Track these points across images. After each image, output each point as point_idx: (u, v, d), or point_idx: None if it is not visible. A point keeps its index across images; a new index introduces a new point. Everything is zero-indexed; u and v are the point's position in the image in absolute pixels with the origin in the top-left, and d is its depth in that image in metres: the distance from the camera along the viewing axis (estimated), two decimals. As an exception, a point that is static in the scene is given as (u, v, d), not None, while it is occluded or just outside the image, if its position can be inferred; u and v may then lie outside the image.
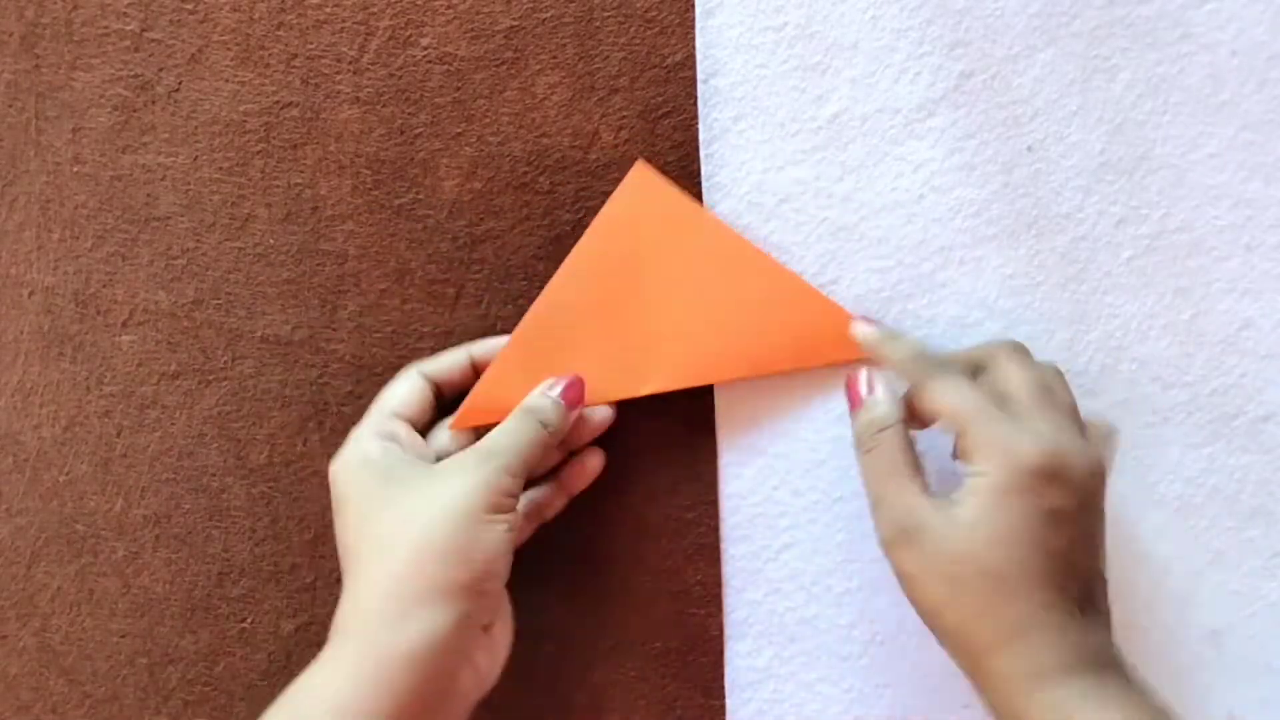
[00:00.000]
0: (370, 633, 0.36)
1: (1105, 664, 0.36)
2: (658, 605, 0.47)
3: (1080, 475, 0.37)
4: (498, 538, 0.38)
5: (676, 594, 0.47)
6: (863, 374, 0.42)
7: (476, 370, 0.44)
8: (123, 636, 0.48)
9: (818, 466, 0.46)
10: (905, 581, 0.38)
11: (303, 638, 0.48)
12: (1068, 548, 0.36)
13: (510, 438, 0.40)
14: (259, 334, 0.46)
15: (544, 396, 0.42)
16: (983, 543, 0.36)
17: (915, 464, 0.39)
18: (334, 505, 0.40)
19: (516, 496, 0.40)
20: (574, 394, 0.43)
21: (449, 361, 0.44)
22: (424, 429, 0.43)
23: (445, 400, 0.44)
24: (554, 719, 0.48)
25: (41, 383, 0.47)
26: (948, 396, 0.39)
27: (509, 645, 0.41)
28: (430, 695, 0.37)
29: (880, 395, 0.41)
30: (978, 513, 0.37)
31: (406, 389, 0.42)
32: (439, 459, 0.41)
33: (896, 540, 0.38)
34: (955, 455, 0.40)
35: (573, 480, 0.45)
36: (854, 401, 0.42)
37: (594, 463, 0.45)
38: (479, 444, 0.40)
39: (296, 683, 0.37)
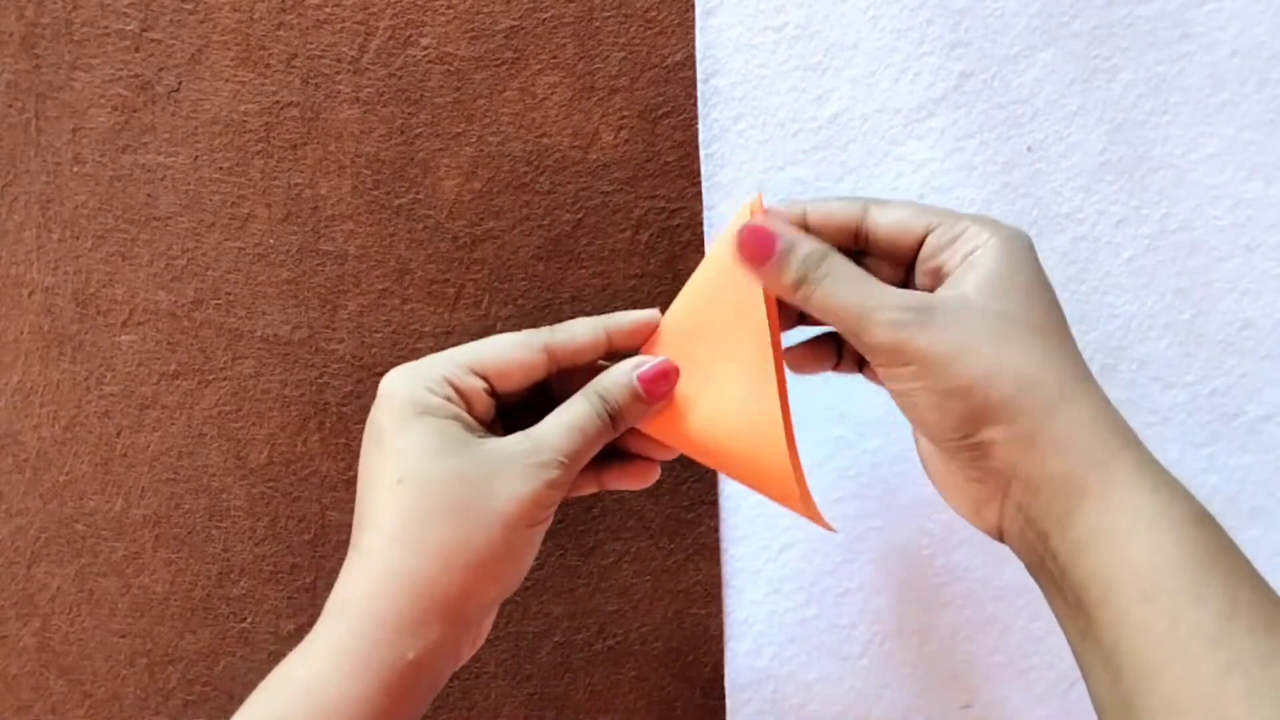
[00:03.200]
0: (381, 632, 0.33)
1: None
2: (658, 605, 0.47)
3: None
4: (529, 551, 0.35)
5: (676, 594, 0.47)
6: (770, 219, 0.36)
7: (614, 350, 0.38)
8: (123, 636, 0.48)
9: (818, 467, 0.46)
10: (939, 365, 0.33)
11: (302, 638, 0.48)
12: (1063, 313, 0.35)
13: (569, 435, 0.36)
14: (259, 334, 0.46)
15: (622, 377, 0.37)
16: (1018, 299, 0.33)
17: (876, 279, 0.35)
18: (369, 422, 0.36)
19: (557, 504, 0.36)
20: (659, 385, 0.37)
21: (582, 336, 0.38)
22: (517, 401, 0.38)
23: (565, 381, 0.38)
24: (554, 719, 0.48)
25: (41, 383, 0.47)
26: (905, 208, 0.36)
27: (491, 625, 0.38)
28: (419, 696, 0.35)
29: (800, 234, 0.36)
30: (995, 276, 0.34)
31: (515, 355, 0.37)
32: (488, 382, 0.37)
33: (913, 323, 0.33)
34: (911, 282, 0.37)
35: (617, 479, 0.40)
36: (765, 251, 0.36)
37: (649, 473, 0.40)
38: (537, 432, 0.36)
39: (286, 666, 0.34)
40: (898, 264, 0.37)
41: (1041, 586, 0.34)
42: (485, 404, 0.37)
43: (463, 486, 0.34)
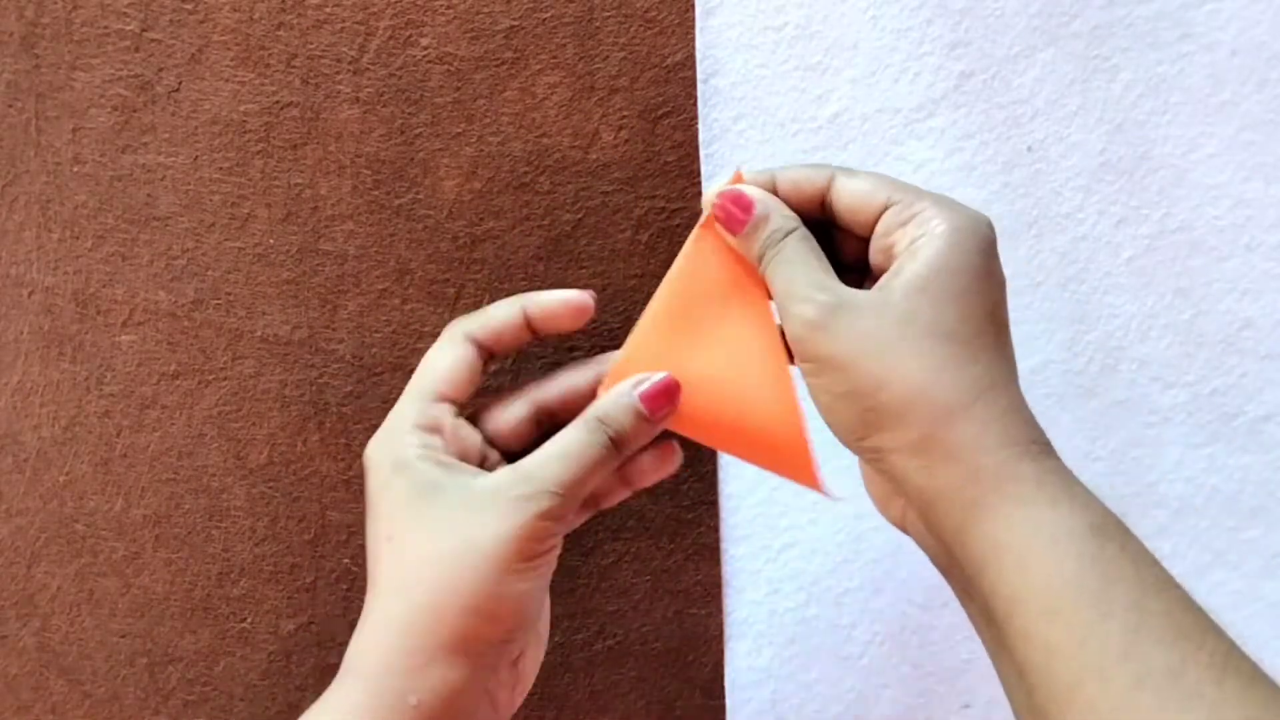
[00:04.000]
0: (380, 680, 0.33)
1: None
2: (658, 605, 0.47)
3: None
4: (528, 587, 0.34)
5: (676, 594, 0.47)
6: (743, 188, 0.36)
7: (532, 327, 0.38)
8: (123, 636, 0.48)
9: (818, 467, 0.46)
10: (832, 368, 0.33)
11: (303, 638, 0.48)
12: (1004, 317, 0.34)
13: (564, 465, 0.34)
14: (259, 334, 0.46)
15: (623, 399, 0.36)
16: (931, 301, 0.32)
17: (829, 267, 0.34)
18: (366, 494, 0.36)
19: (560, 534, 0.35)
20: (661, 402, 0.36)
21: (500, 317, 0.37)
22: (470, 400, 0.38)
23: (495, 363, 0.39)
24: (554, 719, 0.48)
25: (41, 383, 0.47)
26: (868, 180, 0.35)
27: (538, 667, 0.38)
28: None
29: (773, 204, 0.35)
30: (926, 271, 0.32)
31: (451, 361, 0.37)
32: (491, 442, 0.37)
33: (820, 322, 0.33)
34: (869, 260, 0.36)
35: (643, 475, 0.39)
36: (736, 220, 0.35)
37: (673, 460, 0.39)
38: (527, 464, 0.35)
39: None
40: (860, 237, 0.36)
41: (954, 590, 0.34)
42: (459, 427, 0.37)
43: (447, 530, 0.34)
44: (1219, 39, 0.44)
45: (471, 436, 0.38)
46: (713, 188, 0.37)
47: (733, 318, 0.37)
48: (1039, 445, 0.32)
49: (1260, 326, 0.45)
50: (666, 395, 0.36)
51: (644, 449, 0.38)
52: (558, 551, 0.36)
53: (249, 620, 0.48)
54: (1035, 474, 0.31)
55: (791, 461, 0.37)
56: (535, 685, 0.47)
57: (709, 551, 0.47)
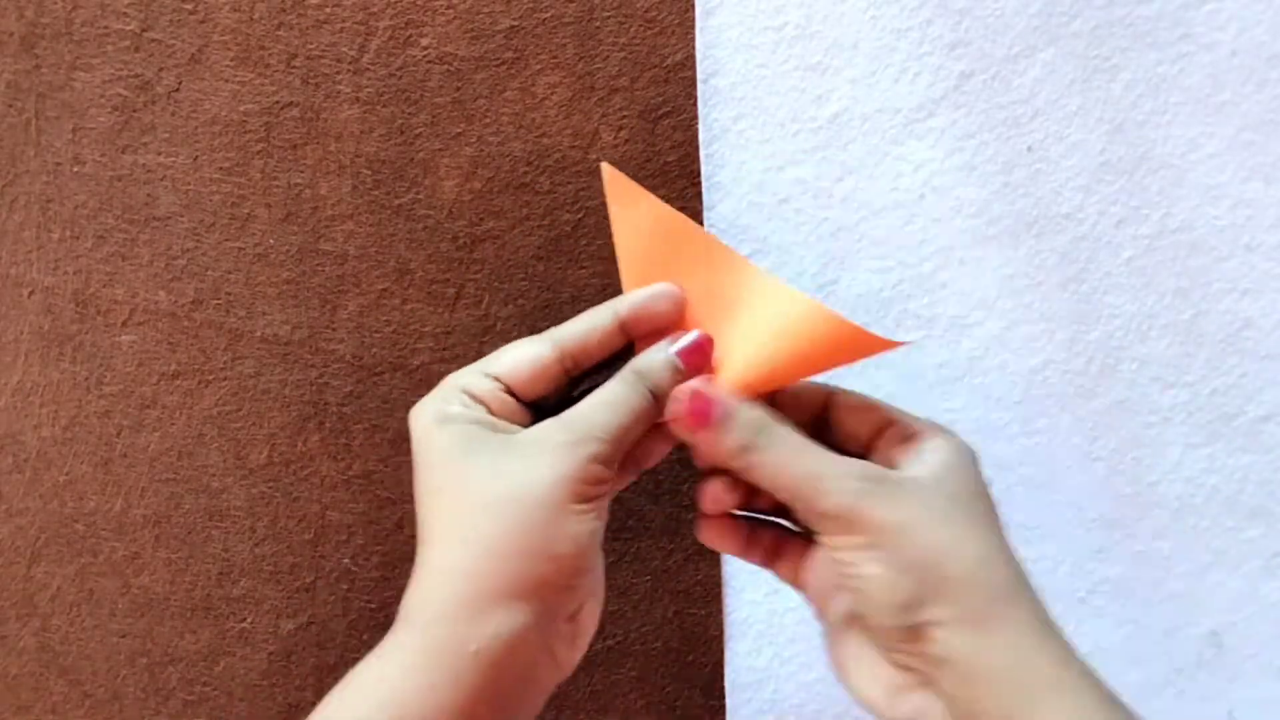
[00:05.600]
0: (438, 628, 0.33)
1: None
2: (658, 605, 0.47)
3: None
4: (586, 529, 0.34)
5: (676, 594, 0.47)
6: (707, 385, 0.36)
7: (627, 334, 0.37)
8: (123, 636, 0.48)
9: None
10: (893, 535, 0.33)
11: (303, 638, 0.48)
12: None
13: (608, 412, 0.35)
14: (259, 334, 0.46)
15: (659, 355, 0.36)
16: (967, 493, 0.34)
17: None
18: (413, 454, 0.36)
19: (610, 480, 0.35)
20: (695, 356, 0.36)
21: (587, 324, 0.37)
22: (543, 402, 0.37)
23: (586, 373, 0.38)
24: (554, 719, 0.48)
25: (41, 383, 0.47)
26: (865, 399, 0.37)
27: (596, 624, 0.37)
28: (501, 695, 0.33)
29: (736, 400, 0.36)
30: (945, 470, 0.34)
31: (521, 353, 0.36)
32: (520, 397, 0.37)
33: (871, 493, 0.33)
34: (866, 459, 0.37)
35: (683, 424, 0.38)
36: (704, 415, 0.35)
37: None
38: (570, 414, 0.35)
39: (354, 674, 0.34)
40: (853, 453, 0.37)
41: None
42: (507, 405, 0.36)
43: (497, 478, 0.34)
44: (1219, 39, 0.44)
45: (514, 408, 0.37)
46: (681, 387, 0.36)
47: (698, 267, 0.38)
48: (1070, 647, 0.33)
49: (1260, 326, 0.45)
50: (700, 350, 0.37)
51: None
52: (608, 500, 0.36)
53: (249, 620, 0.48)
54: (1084, 668, 0.32)
55: (850, 343, 0.36)
56: (535, 685, 0.47)
57: (709, 551, 0.47)
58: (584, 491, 0.34)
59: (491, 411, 0.36)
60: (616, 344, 0.38)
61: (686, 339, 0.37)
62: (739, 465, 0.35)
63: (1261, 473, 0.46)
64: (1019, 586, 0.33)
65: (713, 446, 0.35)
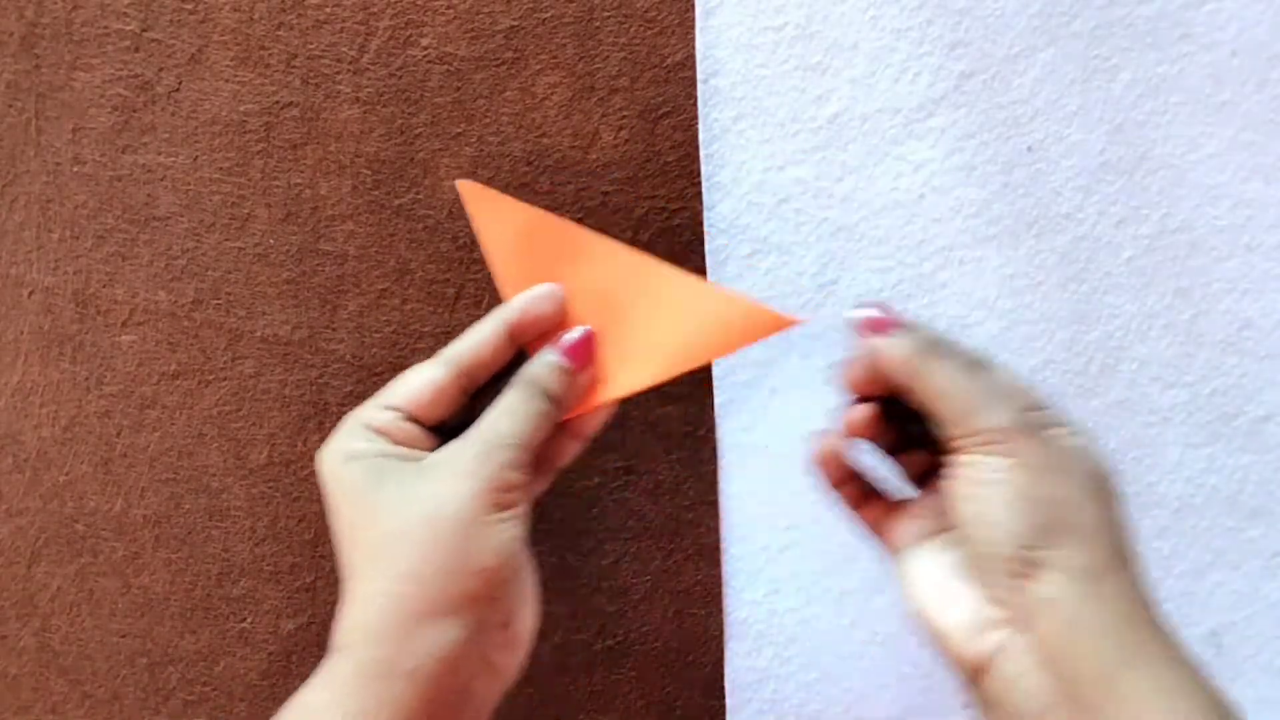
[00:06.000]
0: (371, 650, 0.33)
1: None
2: (658, 605, 0.47)
3: None
4: (506, 537, 0.35)
5: (676, 594, 0.47)
6: (881, 306, 0.38)
7: (515, 341, 0.39)
8: (123, 636, 0.48)
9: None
10: (1038, 471, 0.34)
11: (303, 638, 0.48)
12: None
13: (509, 421, 0.36)
14: (259, 334, 0.46)
15: (546, 360, 0.38)
16: (1103, 475, 0.35)
17: None
18: (324, 500, 0.37)
19: (524, 485, 0.36)
20: (580, 353, 0.38)
21: (476, 340, 0.38)
22: (445, 423, 0.38)
23: (484, 387, 0.39)
24: (554, 719, 0.48)
25: (41, 383, 0.47)
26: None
27: (534, 630, 0.38)
28: (442, 710, 0.34)
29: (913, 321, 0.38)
30: (1089, 450, 0.35)
31: (416, 379, 0.38)
32: (420, 421, 0.38)
33: (1030, 423, 0.34)
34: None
35: (584, 424, 0.40)
36: (890, 320, 0.37)
37: (603, 410, 0.40)
38: (474, 431, 0.36)
39: (293, 701, 0.34)
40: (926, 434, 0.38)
41: None
42: (410, 433, 0.37)
43: (408, 504, 0.35)
44: (1219, 39, 0.44)
45: (418, 435, 0.38)
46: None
47: (591, 277, 0.39)
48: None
49: (1260, 326, 0.45)
50: (585, 346, 0.38)
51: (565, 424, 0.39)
52: (525, 507, 0.36)
53: (249, 620, 0.48)
54: (1180, 643, 0.33)
55: (748, 323, 0.38)
56: (535, 685, 0.47)
57: (709, 551, 0.47)
58: (499, 500, 0.35)
59: (396, 441, 0.37)
60: (508, 354, 0.39)
61: (568, 337, 0.38)
62: (908, 371, 0.36)
63: (1261, 473, 0.46)
64: (1133, 556, 0.34)
65: (892, 351, 0.36)
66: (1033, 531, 0.33)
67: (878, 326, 0.37)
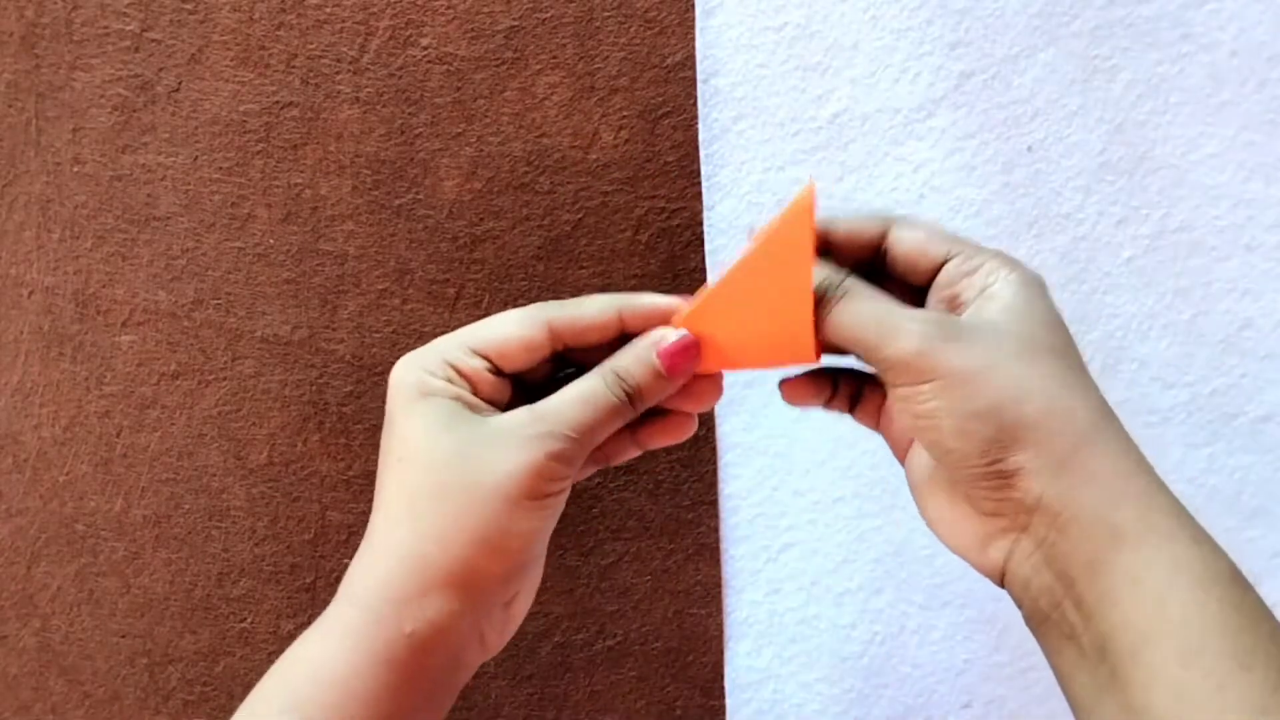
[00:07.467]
0: (379, 606, 0.33)
1: None
2: (658, 605, 0.47)
3: None
4: (538, 524, 0.34)
5: (676, 594, 0.47)
6: None
7: (628, 333, 0.36)
8: (123, 636, 0.48)
9: (818, 467, 0.46)
10: (964, 382, 0.32)
11: (303, 638, 0.48)
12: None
13: (580, 409, 0.35)
14: (259, 334, 0.46)
15: (641, 356, 0.36)
16: (1040, 328, 0.33)
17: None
18: (387, 408, 0.36)
19: (568, 479, 0.35)
20: (680, 361, 0.36)
21: (591, 312, 0.36)
22: (527, 376, 0.37)
23: (574, 360, 0.37)
24: (554, 719, 0.48)
25: (41, 383, 0.47)
26: (926, 231, 0.36)
27: (527, 609, 0.37)
28: (429, 675, 0.34)
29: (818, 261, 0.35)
30: (1016, 306, 0.33)
31: (511, 332, 0.36)
32: (500, 370, 0.36)
33: (940, 337, 0.32)
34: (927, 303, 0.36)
35: (653, 437, 0.38)
36: None
37: (686, 429, 0.38)
38: (543, 406, 0.35)
39: (297, 649, 0.34)
40: (912, 287, 0.37)
41: (1042, 636, 0.33)
42: (491, 384, 0.36)
43: (459, 462, 0.34)
44: (1219, 39, 0.44)
45: (497, 386, 0.36)
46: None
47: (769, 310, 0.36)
48: (1158, 478, 0.32)
49: (1260, 326, 0.45)
50: (685, 354, 0.36)
51: (660, 413, 0.38)
52: (565, 496, 0.35)
53: (249, 620, 0.48)
54: (1174, 507, 0.31)
55: (795, 345, 0.35)
56: (535, 685, 0.47)
57: (709, 551, 0.47)
58: (539, 488, 0.34)
59: (475, 390, 0.36)
60: (613, 336, 0.37)
61: (672, 338, 0.36)
62: (831, 328, 0.35)
63: (1261, 473, 0.46)
64: (1102, 424, 0.32)
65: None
66: (988, 446, 0.32)
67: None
